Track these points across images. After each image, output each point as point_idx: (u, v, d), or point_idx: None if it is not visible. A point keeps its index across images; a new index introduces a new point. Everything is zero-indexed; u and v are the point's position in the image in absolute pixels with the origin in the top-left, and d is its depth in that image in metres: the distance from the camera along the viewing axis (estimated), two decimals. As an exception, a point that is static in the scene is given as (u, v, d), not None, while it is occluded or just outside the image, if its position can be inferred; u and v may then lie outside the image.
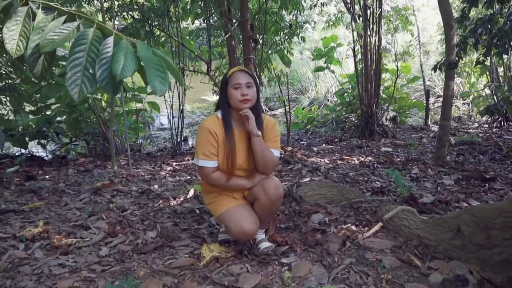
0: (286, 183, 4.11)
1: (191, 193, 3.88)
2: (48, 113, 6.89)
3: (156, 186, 4.26)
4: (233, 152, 2.43)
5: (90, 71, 1.19)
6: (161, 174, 4.93)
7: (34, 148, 7.36)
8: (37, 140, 6.89)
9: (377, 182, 4.22)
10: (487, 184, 4.14)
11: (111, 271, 2.37)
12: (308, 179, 4.30)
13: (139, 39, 6.99)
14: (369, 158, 5.77)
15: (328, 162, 5.37)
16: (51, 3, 1.33)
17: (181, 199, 3.77)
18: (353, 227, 2.88)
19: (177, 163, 5.76)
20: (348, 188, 3.61)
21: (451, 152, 6.15)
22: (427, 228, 2.60)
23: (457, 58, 5.52)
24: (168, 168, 5.38)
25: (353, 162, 5.43)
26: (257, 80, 2.60)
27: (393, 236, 2.73)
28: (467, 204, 3.45)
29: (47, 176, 5.10)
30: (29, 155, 6.75)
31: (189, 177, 4.71)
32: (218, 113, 2.50)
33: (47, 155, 7.27)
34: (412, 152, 6.34)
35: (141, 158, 6.69)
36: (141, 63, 1.19)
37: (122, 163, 6.02)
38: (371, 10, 7.81)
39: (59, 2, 6.47)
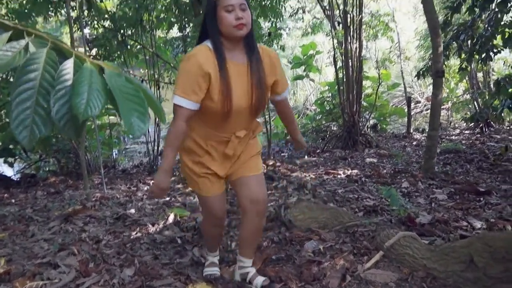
0: (272, 203, 3.84)
1: (171, 218, 3.57)
2: (15, 129, 6.46)
3: (132, 211, 3.93)
4: (229, 87, 2.03)
5: (44, 106, 0.90)
6: (137, 196, 4.60)
7: (1, 167, 6.93)
8: (3, 158, 6.47)
9: (369, 200, 3.99)
10: (482, 198, 3.97)
11: (82, 322, 2.07)
12: (295, 198, 4.04)
13: (111, 50, 6.70)
14: (355, 170, 5.56)
15: (313, 177, 5.13)
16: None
17: (160, 225, 3.46)
18: (351, 256, 2.64)
19: (155, 181, 5.43)
20: (340, 210, 3.37)
21: (437, 161, 5.99)
22: (434, 257, 2.37)
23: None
24: (145, 188, 5.05)
25: (339, 176, 5.21)
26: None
27: (396, 266, 2.49)
28: (467, 223, 3.24)
29: (13, 200, 4.74)
30: (-5, 175, 6.34)
31: (168, 199, 4.38)
32: (208, 43, 2.05)
33: (14, 175, 6.85)
34: (398, 163, 6.16)
35: (116, 176, 6.34)
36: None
37: (96, 182, 5.67)
38: (351, 16, 7.65)
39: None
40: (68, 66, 0.93)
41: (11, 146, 6.36)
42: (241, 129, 2.17)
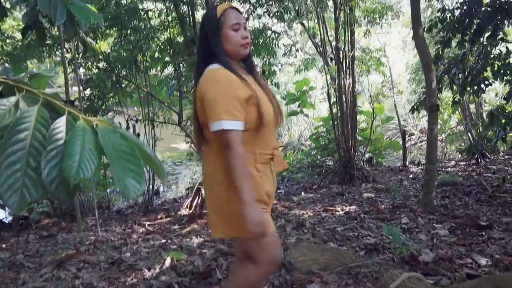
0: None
1: (168, 262, 3.47)
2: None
3: (128, 254, 3.83)
4: (256, 94, 1.91)
5: (35, 168, 0.85)
6: (132, 238, 4.49)
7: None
8: (-5, 201, 6.34)
9: (369, 238, 3.91)
10: (484, 233, 3.90)
11: None
12: (294, 238, 3.97)
13: (105, 90, 6.70)
14: (353, 206, 5.49)
15: (311, 214, 5.05)
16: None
17: (157, 270, 3.36)
18: (356, 300, 2.55)
19: (150, 223, 5.33)
20: (341, 250, 3.30)
21: (435, 194, 5.94)
22: (441, 300, 2.29)
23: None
24: (141, 230, 4.94)
25: (337, 213, 5.13)
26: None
27: (403, 309, 2.41)
28: (472, 260, 3.18)
29: (4, 245, 4.61)
30: (-14, 219, 6.21)
31: (164, 241, 4.29)
32: (215, 65, 1.92)
33: (6, 217, 6.71)
34: (396, 197, 6.10)
35: (110, 217, 6.22)
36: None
37: (90, 224, 5.55)
38: (344, 52, 7.73)
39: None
40: (60, 124, 0.89)
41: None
42: (275, 142, 2.08)
